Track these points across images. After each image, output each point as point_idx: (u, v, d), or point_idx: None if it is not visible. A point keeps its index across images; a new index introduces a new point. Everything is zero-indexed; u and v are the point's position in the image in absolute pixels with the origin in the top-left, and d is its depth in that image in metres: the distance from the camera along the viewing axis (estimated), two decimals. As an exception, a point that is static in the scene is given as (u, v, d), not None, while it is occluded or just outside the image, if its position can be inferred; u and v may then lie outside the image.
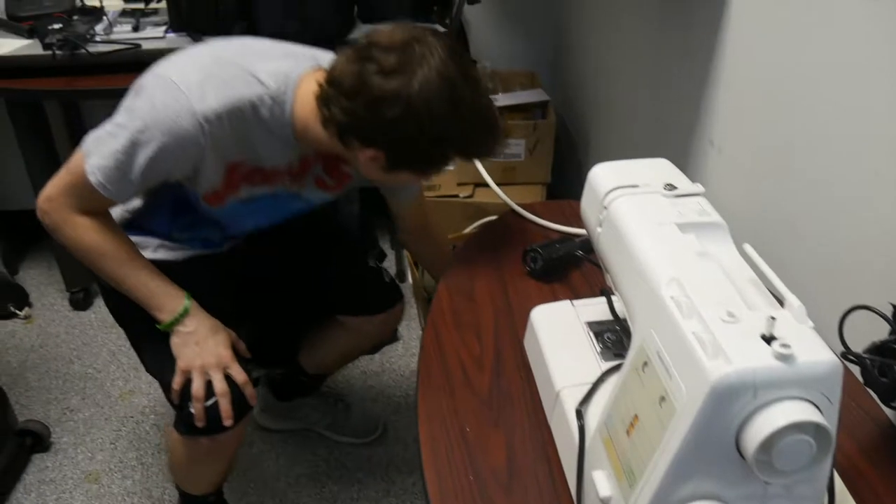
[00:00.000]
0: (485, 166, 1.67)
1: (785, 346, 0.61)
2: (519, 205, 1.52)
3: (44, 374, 2.23)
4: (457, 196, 2.20)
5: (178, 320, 1.28)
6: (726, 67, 1.34)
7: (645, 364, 0.72)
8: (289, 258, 1.58)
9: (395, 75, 1.08)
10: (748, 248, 0.76)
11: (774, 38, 1.18)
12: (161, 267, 1.31)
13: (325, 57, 1.26)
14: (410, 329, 2.38)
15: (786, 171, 1.18)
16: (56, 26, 2.03)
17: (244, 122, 1.18)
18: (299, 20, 1.97)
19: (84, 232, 1.22)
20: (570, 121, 2.53)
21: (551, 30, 2.66)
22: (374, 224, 2.44)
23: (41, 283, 2.65)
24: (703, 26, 1.40)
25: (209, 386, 1.27)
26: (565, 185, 2.52)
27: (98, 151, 1.16)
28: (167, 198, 1.36)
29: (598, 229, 0.90)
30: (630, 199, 0.86)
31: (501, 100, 2.35)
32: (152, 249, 1.38)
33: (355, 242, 1.77)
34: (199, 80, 1.14)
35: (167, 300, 1.28)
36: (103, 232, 1.24)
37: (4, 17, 2.15)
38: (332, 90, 1.13)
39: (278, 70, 1.19)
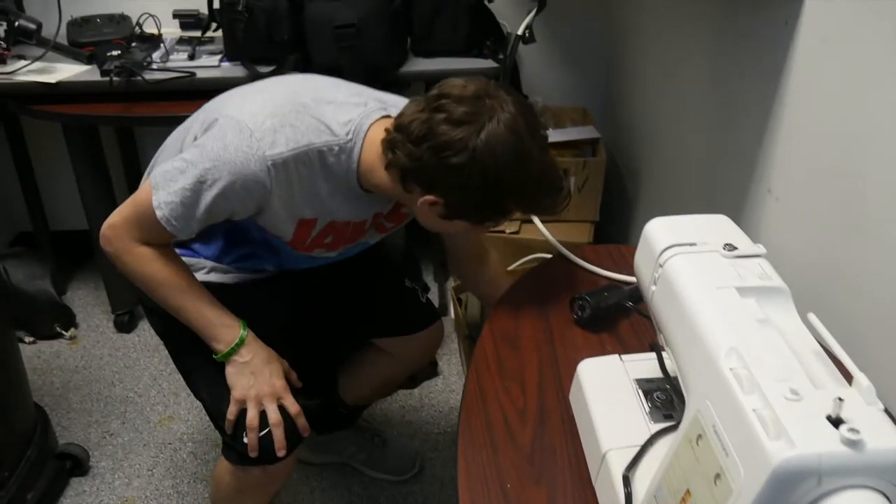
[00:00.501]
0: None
1: (853, 430, 0.57)
2: (566, 245, 1.49)
3: (86, 396, 2.24)
4: (503, 232, 2.17)
5: (235, 350, 1.28)
6: (787, 113, 1.30)
7: (699, 437, 0.68)
8: (331, 284, 1.58)
9: (463, 125, 1.10)
10: (813, 317, 0.72)
11: (840, 81, 1.14)
12: (212, 289, 1.31)
13: (393, 101, 1.28)
14: (451, 365, 2.35)
15: (850, 225, 1.13)
16: (114, 53, 2.07)
17: (310, 167, 1.19)
18: (352, 53, 1.98)
19: (144, 261, 1.24)
20: (620, 159, 2.49)
21: (604, 67, 2.64)
22: (419, 257, 2.42)
23: (87, 304, 2.68)
24: (764, 71, 1.36)
25: (263, 416, 1.27)
26: (614, 224, 2.48)
27: (165, 186, 1.17)
28: (221, 229, 1.37)
29: (653, 287, 0.87)
30: (687, 259, 0.82)
31: (552, 135, 2.31)
32: (205, 271, 1.39)
33: (394, 267, 1.75)
34: (273, 127, 1.16)
35: (224, 331, 1.28)
36: (162, 261, 1.25)
37: (66, 42, 2.20)
38: (399, 135, 1.15)
39: (349, 119, 1.20)
